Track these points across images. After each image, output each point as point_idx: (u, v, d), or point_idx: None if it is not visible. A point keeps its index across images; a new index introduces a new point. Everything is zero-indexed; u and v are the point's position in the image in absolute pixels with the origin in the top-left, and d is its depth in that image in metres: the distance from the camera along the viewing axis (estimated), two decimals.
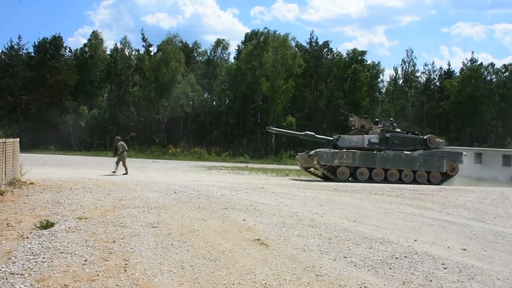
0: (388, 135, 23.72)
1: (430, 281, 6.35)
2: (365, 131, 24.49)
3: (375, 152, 22.91)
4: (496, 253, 8.27)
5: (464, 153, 24.96)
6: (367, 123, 24.98)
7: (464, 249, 8.30)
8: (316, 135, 27.05)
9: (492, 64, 58.30)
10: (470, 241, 9.21)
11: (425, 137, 24.68)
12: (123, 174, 19.15)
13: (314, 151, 23.07)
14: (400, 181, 22.63)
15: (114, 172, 19.03)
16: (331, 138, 25.42)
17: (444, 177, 23.92)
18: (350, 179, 22.61)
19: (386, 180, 22.45)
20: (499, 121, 56.31)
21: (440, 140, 25.32)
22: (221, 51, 59.88)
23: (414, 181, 22.80)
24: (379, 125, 25.07)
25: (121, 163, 19.87)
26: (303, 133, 27.24)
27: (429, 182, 23.06)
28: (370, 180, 22.39)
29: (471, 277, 6.64)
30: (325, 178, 23.05)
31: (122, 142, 20.23)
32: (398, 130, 25.11)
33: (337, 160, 22.39)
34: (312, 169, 24.98)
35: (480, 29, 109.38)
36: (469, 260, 7.55)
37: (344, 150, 23.00)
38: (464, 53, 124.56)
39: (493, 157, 29.85)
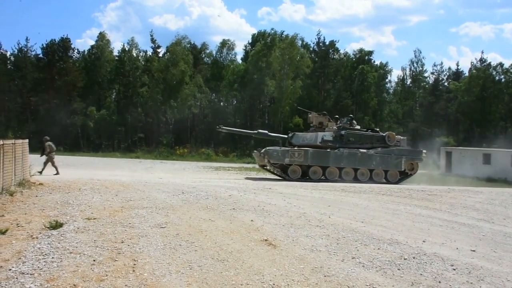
0: (343, 132, 23.05)
1: (439, 282, 6.31)
2: (323, 128, 23.79)
3: (328, 150, 22.30)
4: (506, 254, 8.22)
5: (424, 151, 24.35)
6: (325, 120, 24.27)
7: (473, 250, 8.25)
8: (270, 133, 26.34)
9: (501, 64, 57.97)
10: (479, 242, 9.15)
11: (383, 134, 23.96)
12: (54, 174, 18.68)
13: (264, 149, 22.49)
14: (356, 180, 22.06)
15: (40, 172, 18.06)
16: (286, 136, 24.74)
17: (403, 176, 23.34)
18: (307, 178, 22.01)
19: (340, 179, 21.90)
20: (508, 121, 55.94)
21: (402, 138, 24.66)
22: (227, 52, 59.86)
23: (371, 180, 22.26)
24: (338, 122, 24.36)
25: (49, 163, 19.60)
26: (256, 131, 26.68)
27: (387, 181, 22.55)
28: (324, 179, 21.83)
29: (480, 278, 6.60)
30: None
31: (50, 143, 19.95)
32: (358, 127, 24.47)
33: (288, 159, 21.78)
34: (268, 167, 23.80)
35: (489, 28, 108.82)
36: (479, 261, 7.50)
37: (295, 148, 22.39)
38: (473, 53, 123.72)
39: (502, 158, 29.64)
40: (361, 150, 22.56)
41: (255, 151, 24.20)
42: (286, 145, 23.85)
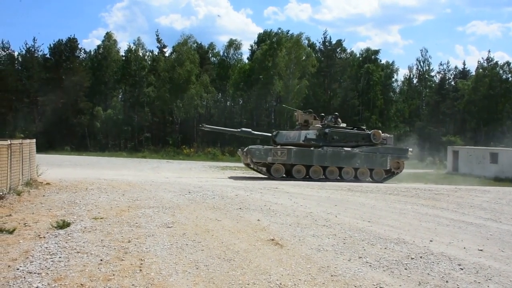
0: (327, 130, 22.72)
1: (447, 281, 6.29)
2: (309, 126, 23.49)
3: (312, 148, 22.05)
4: None
5: (410, 149, 23.88)
6: (310, 118, 23.95)
7: (481, 250, 8.21)
8: (253, 132, 25.96)
9: (508, 63, 57.66)
10: (486, 241, 9.10)
11: (369, 132, 23.57)
12: None
13: (246, 148, 22.31)
14: (341, 178, 21.90)
15: None
16: (270, 134, 24.42)
17: (389, 175, 23.04)
18: (291, 177, 21.77)
19: (325, 178, 21.64)
20: None
21: (388, 135, 24.23)
22: (234, 52, 59.87)
23: (356, 179, 22.06)
24: (324, 120, 24.00)
25: None
26: (239, 129, 26.45)
27: (373, 180, 22.29)
28: (308, 178, 21.60)
29: (488, 278, 6.56)
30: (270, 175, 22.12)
31: None
32: (343, 125, 24.08)
33: (270, 157, 21.54)
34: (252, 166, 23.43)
35: (496, 27, 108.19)
36: (486, 261, 7.46)
37: (278, 147, 22.14)
38: (480, 52, 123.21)
39: (509, 157, 29.48)
40: (346, 149, 22.29)
41: (239, 149, 23.95)
42: (271, 143, 23.53)
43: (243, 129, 26.63)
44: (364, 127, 24.68)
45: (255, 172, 23.80)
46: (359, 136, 23.15)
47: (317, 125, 23.21)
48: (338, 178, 21.87)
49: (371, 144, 22.96)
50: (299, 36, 53.38)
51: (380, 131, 23.92)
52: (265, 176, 22.29)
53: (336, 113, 25.57)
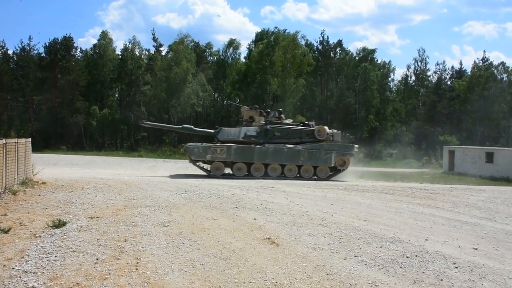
0: (268, 127, 22.02)
1: (441, 280, 6.33)
2: (254, 122, 22.78)
3: (253, 145, 21.43)
4: (508, 252, 8.22)
5: (356, 145, 23.13)
6: (256, 114, 23.20)
7: (476, 249, 8.25)
8: (195, 128, 25.37)
9: (503, 63, 57.91)
10: (481, 240, 9.16)
11: (313, 128, 22.70)
12: None
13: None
14: (283, 176, 21.30)
15: None
16: (212, 131, 23.72)
17: (334, 172, 22.34)
18: (232, 174, 21.40)
19: (267, 176, 21.14)
20: (510, 120, 55.82)
21: (335, 131, 23.37)
22: (233, 51, 59.82)
23: (300, 177, 21.57)
24: (269, 116, 23.26)
25: None
26: (180, 126, 25.81)
27: (317, 177, 21.73)
28: (250, 175, 21.15)
29: (482, 276, 6.61)
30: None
31: None
32: (288, 121, 23.55)
33: (209, 155, 20.92)
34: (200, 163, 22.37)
35: (492, 27, 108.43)
36: (481, 259, 7.51)
37: (218, 144, 21.55)
38: (476, 52, 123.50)
39: (505, 156, 29.59)
40: (288, 146, 21.62)
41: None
42: (215, 140, 22.86)
43: (185, 125, 25.88)
44: (311, 123, 23.69)
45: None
46: (303, 132, 22.40)
47: (261, 122, 22.62)
48: (281, 175, 21.30)
49: (316, 140, 22.24)
50: (295, 34, 53.34)
51: (325, 127, 23.14)
52: (205, 174, 21.71)
53: (280, 109, 24.98)
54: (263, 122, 22.48)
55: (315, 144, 22.01)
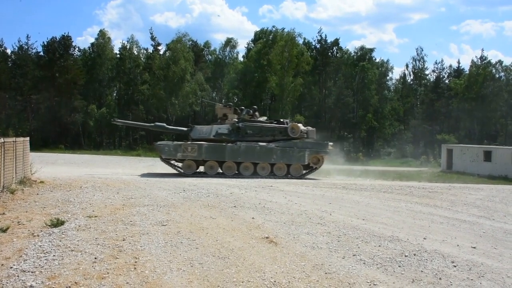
0: (240, 124, 21.66)
1: (440, 279, 6.33)
2: (227, 120, 22.42)
3: (224, 144, 21.10)
4: (506, 251, 8.23)
5: (330, 143, 22.63)
6: (229, 111, 22.86)
7: (474, 247, 8.26)
8: (167, 126, 24.75)
9: (501, 62, 57.94)
10: (479, 239, 9.16)
11: (287, 126, 22.21)
12: None
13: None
14: (256, 174, 20.96)
15: None
16: (185, 129, 23.29)
17: (308, 170, 21.85)
18: (204, 173, 21.13)
19: (239, 174, 20.96)
20: (508, 118, 55.85)
21: (310, 129, 22.97)
22: (230, 50, 59.74)
23: (273, 175, 21.16)
24: (242, 114, 22.84)
25: None
26: (153, 124, 25.41)
27: (291, 176, 21.28)
28: (221, 174, 20.97)
29: (480, 275, 6.61)
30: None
31: None
32: (262, 119, 23.12)
33: (180, 153, 20.64)
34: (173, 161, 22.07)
35: (490, 26, 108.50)
36: (479, 258, 7.52)
37: (188, 143, 21.24)
38: (474, 50, 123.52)
39: (503, 155, 29.63)
40: (261, 144, 21.21)
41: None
42: (189, 138, 22.42)
43: (157, 123, 25.43)
44: (286, 121, 23.34)
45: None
46: (276, 130, 21.99)
47: (234, 119, 22.29)
48: (254, 174, 21.04)
49: (290, 138, 21.88)
50: (293, 33, 53.30)
51: (299, 124, 22.68)
52: (176, 172, 21.49)
53: (255, 107, 24.60)
54: (236, 120, 22.16)
55: (289, 142, 21.63)
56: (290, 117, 49.19)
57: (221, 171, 21.35)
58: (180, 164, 21.69)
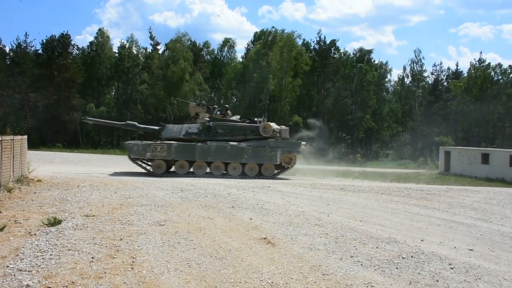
0: (210, 124, 21.39)
1: (437, 281, 6.33)
2: (198, 119, 22.13)
3: (194, 143, 20.82)
4: (503, 253, 8.24)
5: (303, 143, 22.41)
6: (202, 110, 22.48)
7: (471, 250, 8.27)
8: (138, 125, 24.32)
9: (500, 65, 58.04)
10: (477, 241, 9.17)
11: (258, 125, 21.88)
12: None
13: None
14: (227, 174, 20.80)
15: None
16: (157, 128, 23.00)
17: (280, 170, 21.66)
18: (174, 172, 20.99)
19: (210, 174, 20.67)
20: (506, 121, 55.95)
21: (284, 128, 22.74)
22: (228, 50, 59.76)
23: (244, 175, 20.81)
24: (214, 113, 22.54)
25: None
26: (124, 123, 25.21)
27: (263, 176, 21.05)
28: (192, 173, 20.70)
29: (478, 277, 6.61)
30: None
31: None
32: (235, 118, 22.80)
33: (149, 153, 20.30)
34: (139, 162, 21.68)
35: (488, 29, 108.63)
36: (476, 260, 7.52)
37: (158, 142, 20.82)
38: (472, 53, 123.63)
39: (500, 157, 29.67)
40: (231, 143, 20.98)
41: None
42: (162, 138, 22.03)
43: (128, 122, 25.37)
44: (259, 119, 23.01)
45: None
46: (247, 129, 21.69)
47: (205, 118, 21.96)
48: (225, 173, 20.89)
49: (262, 137, 21.54)
50: (292, 34, 53.34)
51: (271, 124, 22.29)
52: (146, 172, 21.18)
53: (226, 105, 24.25)
54: (207, 119, 21.90)
55: (260, 142, 21.35)
56: (288, 118, 49.33)
57: (191, 170, 21.05)
58: (150, 163, 21.22)
